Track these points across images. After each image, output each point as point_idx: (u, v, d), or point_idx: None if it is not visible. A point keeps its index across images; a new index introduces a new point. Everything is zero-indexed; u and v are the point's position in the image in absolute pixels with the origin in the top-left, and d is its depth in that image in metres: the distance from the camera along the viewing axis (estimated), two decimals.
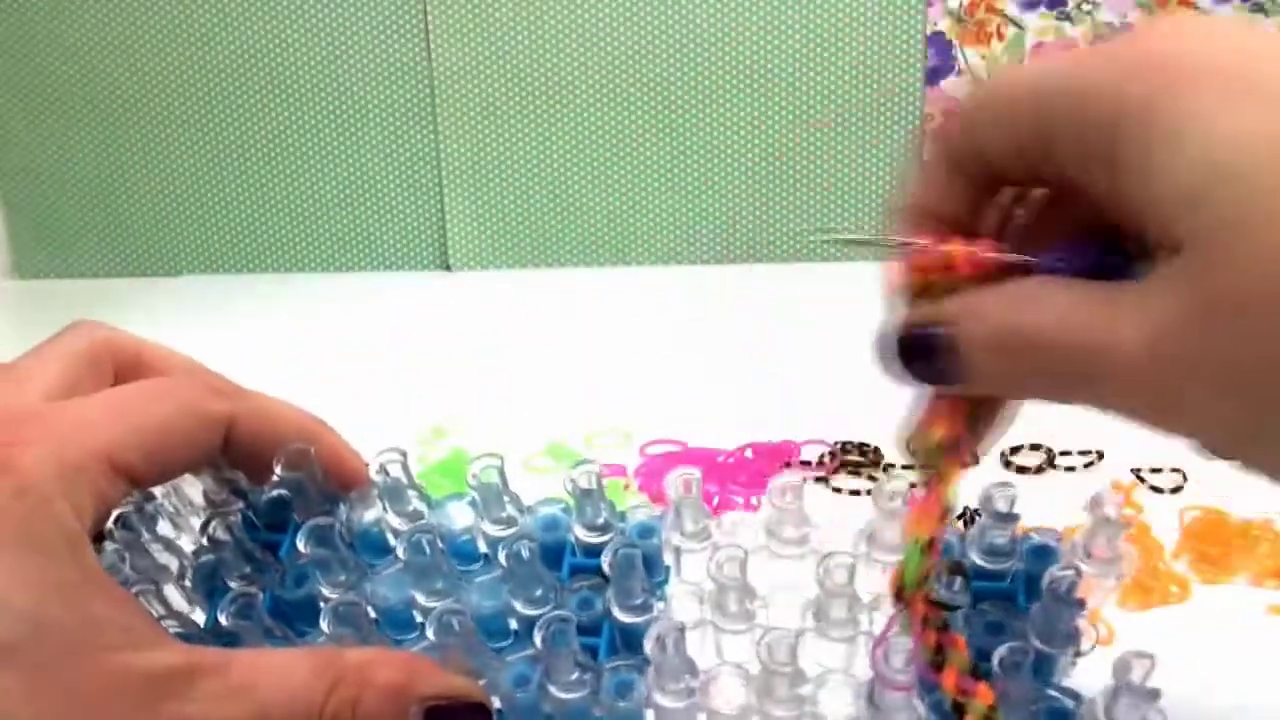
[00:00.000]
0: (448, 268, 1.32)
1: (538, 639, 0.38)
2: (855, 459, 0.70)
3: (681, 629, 0.39)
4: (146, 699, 0.26)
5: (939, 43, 1.20)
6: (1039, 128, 0.26)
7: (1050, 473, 0.67)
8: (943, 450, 0.31)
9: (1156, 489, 0.64)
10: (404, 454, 0.43)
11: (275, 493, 0.41)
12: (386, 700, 0.30)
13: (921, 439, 0.32)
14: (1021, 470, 0.67)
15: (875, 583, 0.42)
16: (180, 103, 1.28)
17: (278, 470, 0.40)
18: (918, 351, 0.28)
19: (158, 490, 0.40)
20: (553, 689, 0.38)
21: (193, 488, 0.41)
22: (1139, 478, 0.65)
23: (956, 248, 0.29)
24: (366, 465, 0.41)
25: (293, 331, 1.07)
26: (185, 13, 1.24)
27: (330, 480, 0.40)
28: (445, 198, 1.28)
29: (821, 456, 0.71)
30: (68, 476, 0.28)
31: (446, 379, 0.89)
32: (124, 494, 0.31)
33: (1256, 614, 0.53)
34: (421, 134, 1.28)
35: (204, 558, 0.40)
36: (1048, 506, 0.61)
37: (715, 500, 0.66)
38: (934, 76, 1.21)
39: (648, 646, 0.40)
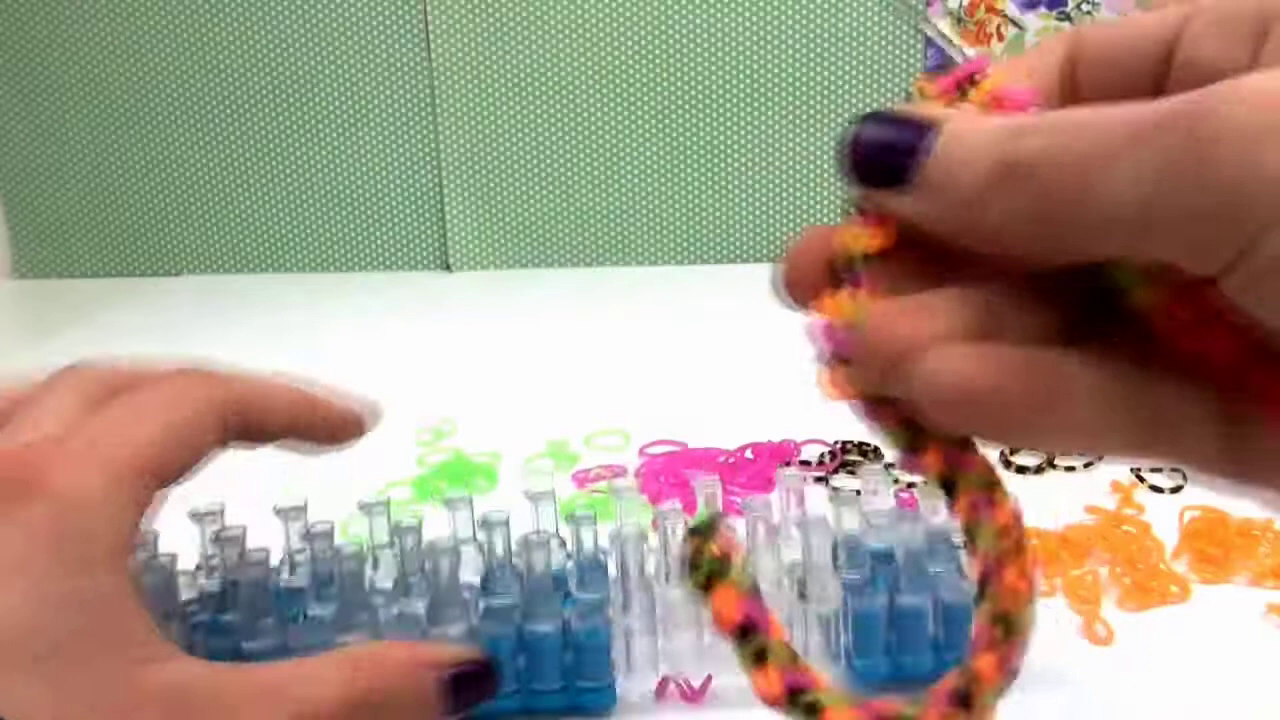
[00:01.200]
0: (448, 268, 1.32)
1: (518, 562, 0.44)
2: (855, 459, 0.70)
3: (640, 542, 0.45)
4: (177, 710, 0.27)
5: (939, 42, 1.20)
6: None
7: (1050, 473, 0.67)
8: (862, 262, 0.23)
9: (1156, 489, 0.64)
10: (331, 524, 0.47)
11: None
12: (403, 675, 0.31)
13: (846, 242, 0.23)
14: (1021, 470, 0.67)
15: None
16: (180, 103, 1.28)
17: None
18: (878, 139, 0.21)
19: None
20: (528, 624, 0.43)
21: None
22: (1139, 477, 0.65)
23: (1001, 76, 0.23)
24: (362, 413, 0.43)
25: (293, 331, 1.07)
26: (185, 14, 1.25)
27: (332, 434, 0.42)
28: (445, 198, 1.28)
29: (821, 456, 0.71)
30: (109, 492, 0.28)
31: (446, 379, 0.89)
32: (155, 495, 0.32)
33: (1256, 614, 0.53)
34: (421, 134, 1.28)
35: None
36: (1047, 507, 0.61)
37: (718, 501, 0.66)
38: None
39: (611, 571, 0.46)
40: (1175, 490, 0.65)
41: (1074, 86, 0.24)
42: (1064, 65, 0.24)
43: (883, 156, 0.21)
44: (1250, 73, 0.17)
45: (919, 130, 0.21)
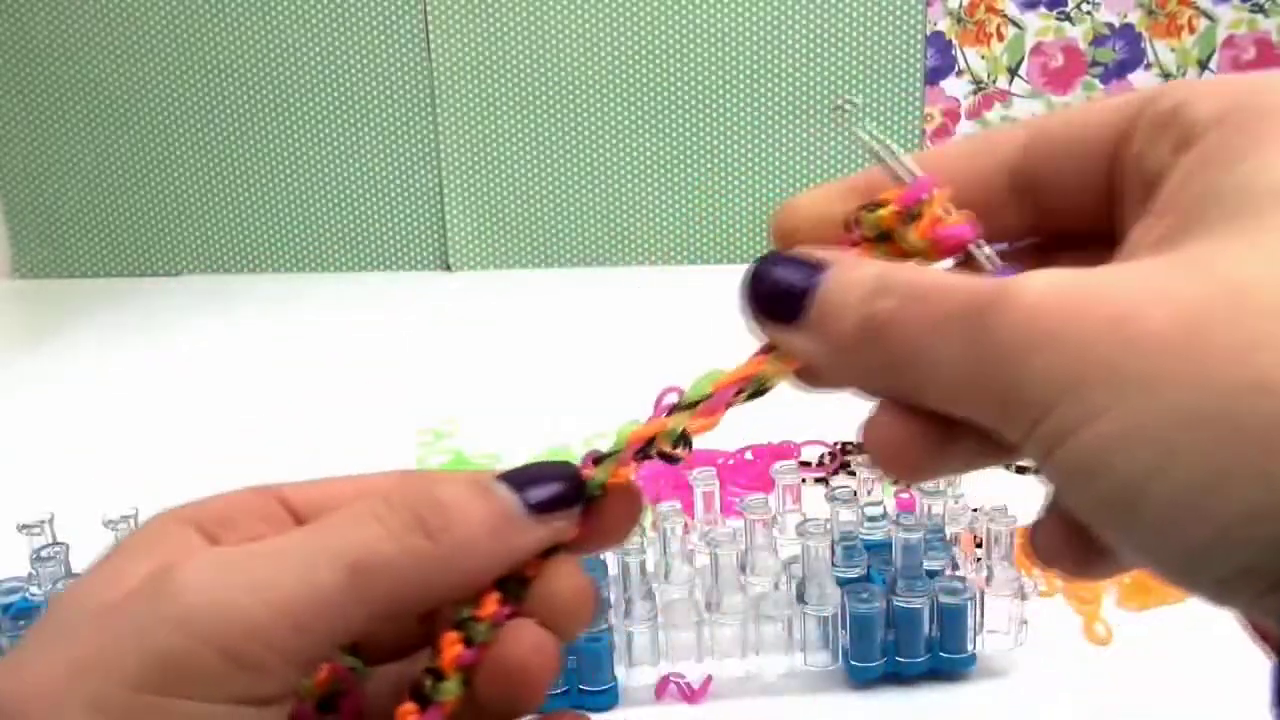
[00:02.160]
0: (448, 268, 1.32)
1: None
2: (855, 459, 0.70)
3: (641, 563, 0.45)
4: None
5: (939, 43, 1.20)
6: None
7: None
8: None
9: None
10: None
11: None
12: (458, 487, 0.24)
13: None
14: (1021, 470, 0.67)
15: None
16: (180, 103, 1.28)
17: None
18: (775, 278, 0.24)
19: None
20: None
21: None
22: None
23: (944, 202, 0.24)
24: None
25: (293, 331, 1.07)
26: (185, 14, 1.25)
27: None
28: (445, 198, 1.28)
29: (821, 457, 0.71)
30: None
31: (446, 379, 0.89)
32: None
33: None
34: (421, 134, 1.28)
35: None
36: None
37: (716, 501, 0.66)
38: (934, 76, 1.21)
39: (612, 570, 0.46)
40: None
41: (1032, 172, 0.25)
42: (1022, 152, 0.25)
43: (779, 294, 0.24)
44: (1043, 271, 0.19)
45: (809, 272, 0.23)
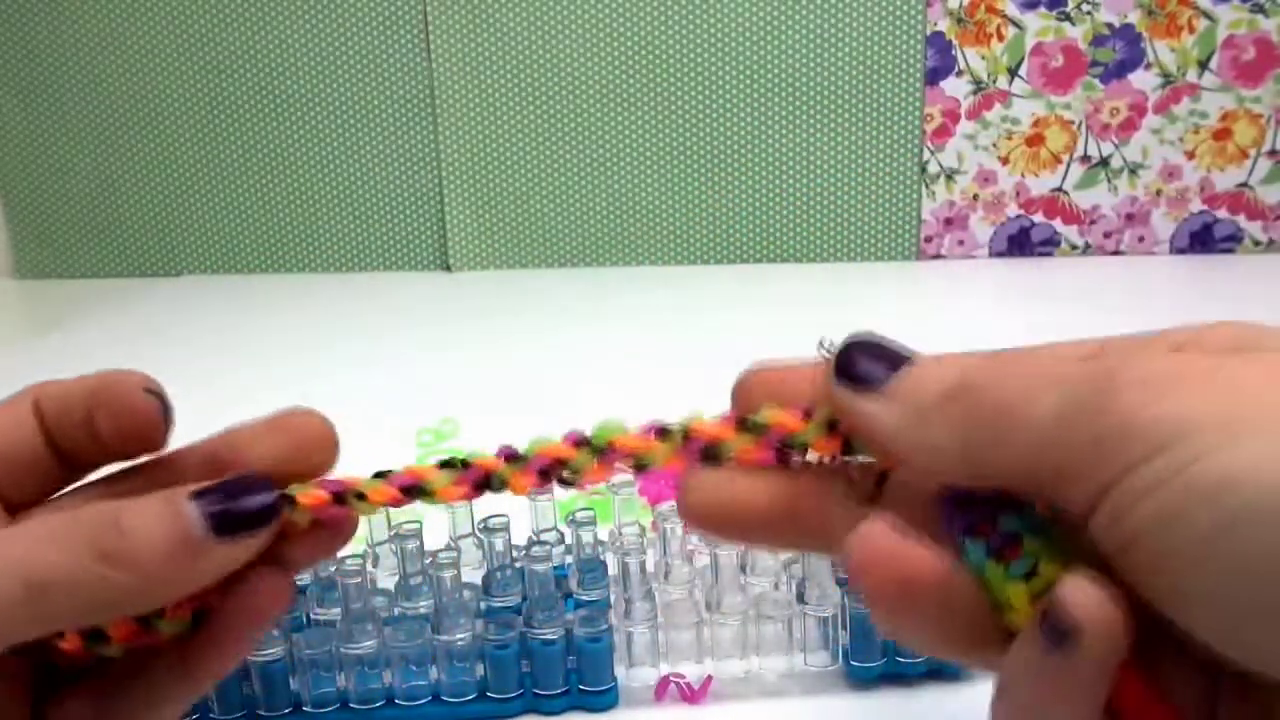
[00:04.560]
0: (448, 268, 1.33)
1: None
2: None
3: (641, 564, 0.46)
4: None
5: (939, 43, 1.20)
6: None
7: None
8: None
9: None
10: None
11: None
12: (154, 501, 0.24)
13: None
14: None
15: None
16: (180, 104, 1.28)
17: None
18: (869, 349, 0.26)
19: None
20: (532, 628, 0.44)
21: None
22: None
23: None
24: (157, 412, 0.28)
25: (293, 331, 1.07)
26: (185, 15, 1.25)
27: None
28: (445, 198, 1.28)
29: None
30: None
31: (446, 379, 0.89)
32: None
33: None
34: (421, 135, 1.28)
35: None
36: None
37: None
38: (934, 76, 1.21)
39: (612, 570, 0.46)
40: None
41: None
42: None
43: (868, 363, 0.26)
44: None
45: (902, 355, 0.26)
